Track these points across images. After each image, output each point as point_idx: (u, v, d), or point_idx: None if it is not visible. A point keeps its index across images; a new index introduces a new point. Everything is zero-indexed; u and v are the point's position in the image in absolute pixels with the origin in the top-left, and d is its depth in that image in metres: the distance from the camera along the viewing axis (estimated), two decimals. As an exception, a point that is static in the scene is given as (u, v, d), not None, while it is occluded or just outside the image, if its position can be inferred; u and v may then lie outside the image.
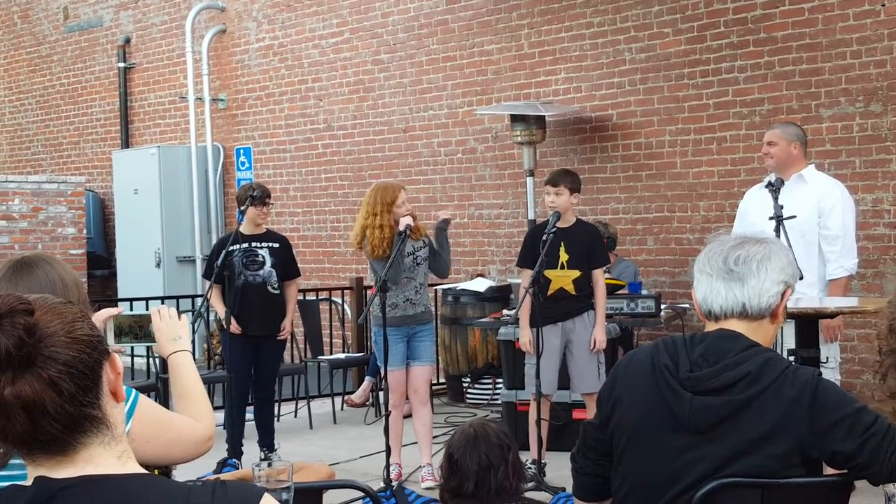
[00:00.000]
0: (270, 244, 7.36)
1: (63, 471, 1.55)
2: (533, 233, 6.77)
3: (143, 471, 1.62)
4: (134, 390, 2.55)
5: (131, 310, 9.17)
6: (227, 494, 1.57)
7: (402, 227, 6.34)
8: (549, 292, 6.47)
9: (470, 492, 3.20)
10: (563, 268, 6.49)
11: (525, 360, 6.65)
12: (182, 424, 2.63)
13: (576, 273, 6.50)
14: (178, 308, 9.78)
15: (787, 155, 6.05)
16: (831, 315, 5.34)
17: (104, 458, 1.57)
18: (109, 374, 1.59)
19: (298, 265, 7.70)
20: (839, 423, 2.59)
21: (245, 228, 7.32)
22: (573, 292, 6.51)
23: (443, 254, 6.59)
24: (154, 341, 2.71)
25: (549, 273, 6.44)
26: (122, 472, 1.58)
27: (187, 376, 2.70)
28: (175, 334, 2.72)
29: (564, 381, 6.72)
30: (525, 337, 6.47)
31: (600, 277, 6.59)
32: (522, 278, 6.54)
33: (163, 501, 1.55)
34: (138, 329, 2.73)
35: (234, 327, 7.16)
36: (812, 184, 6.07)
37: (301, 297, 9.62)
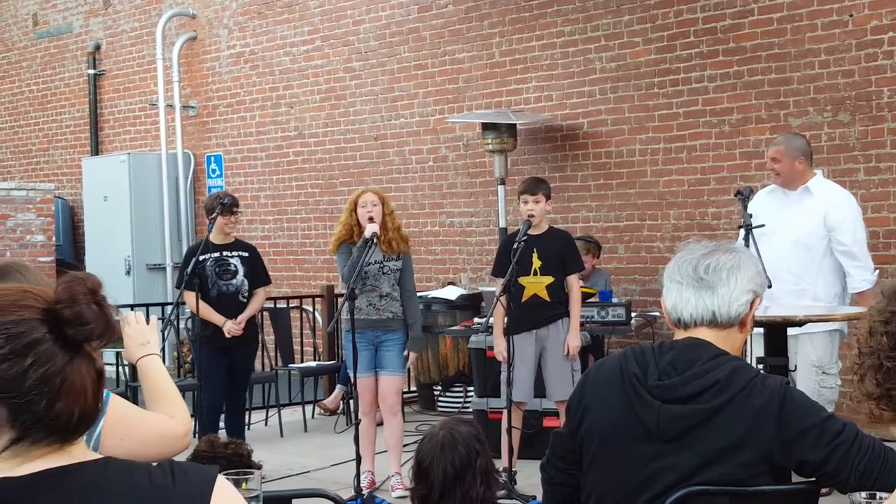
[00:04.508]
0: (241, 253, 7.34)
1: (30, 466, 1.56)
2: (506, 242, 6.77)
3: (95, 455, 1.64)
4: (105, 388, 2.54)
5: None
6: (186, 474, 1.64)
7: (367, 234, 6.36)
8: (523, 299, 6.47)
9: (437, 500, 3.18)
10: (535, 274, 6.50)
11: (500, 369, 6.64)
12: (156, 420, 2.61)
13: (549, 279, 6.51)
14: (147, 316, 9.75)
15: (791, 170, 6.04)
16: (800, 323, 5.35)
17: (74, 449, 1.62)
18: None
19: (269, 273, 7.68)
20: (807, 432, 2.60)
21: (214, 237, 7.29)
22: (547, 299, 6.51)
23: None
24: (123, 347, 2.70)
25: (522, 280, 6.45)
26: (77, 460, 1.60)
27: (158, 378, 2.68)
28: (143, 339, 2.70)
29: (540, 390, 6.72)
30: (499, 346, 6.45)
31: (575, 284, 6.59)
32: (497, 288, 6.54)
33: (125, 485, 1.57)
34: None
35: (235, 327, 7.16)
36: (818, 196, 6.03)
37: (272, 305, 9.60)
